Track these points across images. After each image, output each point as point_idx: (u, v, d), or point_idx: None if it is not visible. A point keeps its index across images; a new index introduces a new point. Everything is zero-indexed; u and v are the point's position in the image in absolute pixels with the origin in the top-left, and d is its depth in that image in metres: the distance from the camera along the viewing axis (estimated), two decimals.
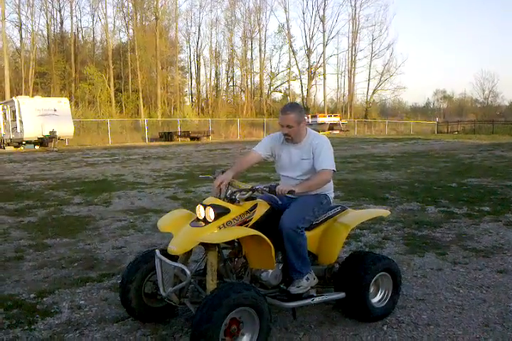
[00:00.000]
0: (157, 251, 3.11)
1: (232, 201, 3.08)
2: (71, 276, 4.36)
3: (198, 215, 3.02)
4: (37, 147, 27.62)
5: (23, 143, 27.54)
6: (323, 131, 39.21)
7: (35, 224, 6.57)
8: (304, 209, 3.22)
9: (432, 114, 69.31)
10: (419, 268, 4.50)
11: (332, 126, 45.36)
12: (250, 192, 3.13)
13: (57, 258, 4.95)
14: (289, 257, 3.15)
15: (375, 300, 3.41)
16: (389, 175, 11.90)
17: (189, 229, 2.99)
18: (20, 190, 10.15)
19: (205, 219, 2.96)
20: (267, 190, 3.06)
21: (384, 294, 3.47)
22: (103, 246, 5.39)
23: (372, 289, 3.36)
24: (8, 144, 28.07)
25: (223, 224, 2.95)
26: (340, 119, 47.63)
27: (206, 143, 33.22)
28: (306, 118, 3.46)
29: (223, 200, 3.08)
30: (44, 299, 3.81)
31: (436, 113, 70.51)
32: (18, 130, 26.92)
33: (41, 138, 27.08)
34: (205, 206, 2.98)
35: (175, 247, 2.91)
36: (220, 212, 2.96)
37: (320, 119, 44.56)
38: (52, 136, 26.52)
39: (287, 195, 3.03)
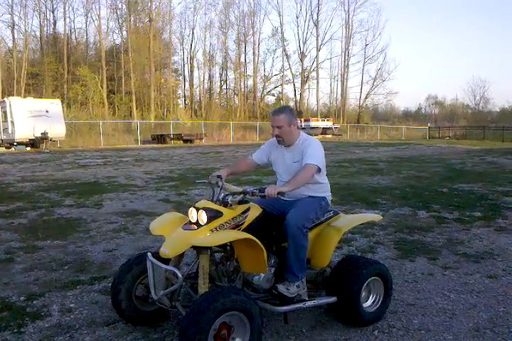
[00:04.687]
0: (149, 254, 3.10)
1: (225, 204, 3.09)
2: (61, 279, 4.33)
3: (190, 218, 3.02)
4: (28, 148, 27.44)
5: (15, 144, 27.35)
6: (316, 135, 39.29)
7: (26, 226, 6.52)
8: (307, 209, 3.25)
9: (423, 119, 69.71)
10: (410, 273, 4.52)
11: (325, 130, 45.51)
12: (242, 195, 3.14)
13: (48, 260, 4.92)
14: (289, 258, 3.15)
15: (366, 304, 3.42)
16: (381, 179, 11.95)
17: (181, 232, 2.98)
18: (11, 191, 10.07)
19: (197, 223, 2.96)
20: (258, 191, 3.08)
21: (375, 299, 3.48)
22: (94, 249, 5.36)
23: (363, 294, 3.37)
24: None
25: (216, 228, 2.95)
26: (333, 123, 47.80)
27: (199, 145, 33.17)
28: (298, 121, 3.50)
29: (216, 203, 3.08)
30: (34, 302, 3.77)
31: (427, 118, 70.94)
32: (10, 131, 26.75)
33: (33, 140, 26.93)
34: (197, 209, 2.98)
35: (167, 250, 2.90)
36: (213, 215, 2.96)
37: (313, 123, 44.65)
38: (43, 138, 26.38)
39: (279, 196, 3.02)
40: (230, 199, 3.10)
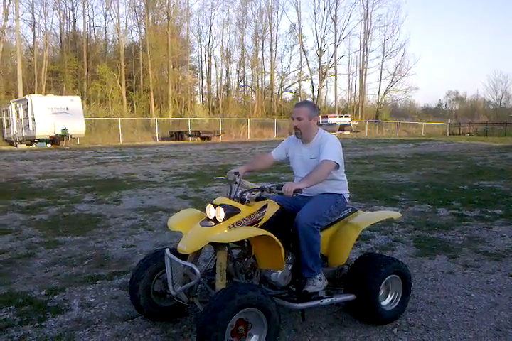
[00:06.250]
0: (167, 250, 3.11)
1: (242, 201, 3.08)
2: (82, 274, 4.39)
3: (208, 215, 3.03)
4: (49, 145, 27.86)
5: (35, 141, 27.81)
6: (334, 132, 39.04)
7: (47, 222, 6.63)
8: (320, 206, 3.22)
9: (443, 115, 68.78)
10: (430, 271, 4.47)
11: (343, 127, 45.18)
12: (259, 192, 3.13)
13: (68, 255, 4.99)
14: (303, 255, 3.13)
15: (384, 302, 3.39)
16: (400, 176, 11.82)
17: (199, 229, 2.99)
18: (32, 187, 10.24)
19: (215, 219, 2.97)
20: (275, 188, 3.06)
21: (394, 297, 3.44)
22: (113, 245, 5.42)
23: (382, 292, 3.34)
24: (21, 142, 28.36)
25: (233, 224, 2.95)
26: (351, 120, 47.40)
27: (216, 142, 33.25)
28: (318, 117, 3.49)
29: (233, 200, 3.08)
30: (55, 296, 3.84)
31: (448, 114, 69.95)
32: (31, 128, 27.20)
33: (53, 136, 27.33)
34: (215, 206, 2.98)
35: (185, 246, 2.92)
36: (230, 211, 2.96)
37: (330, 120, 44.33)
38: (64, 134, 26.76)
39: (297, 193, 3.00)
40: (247, 196, 3.09)
